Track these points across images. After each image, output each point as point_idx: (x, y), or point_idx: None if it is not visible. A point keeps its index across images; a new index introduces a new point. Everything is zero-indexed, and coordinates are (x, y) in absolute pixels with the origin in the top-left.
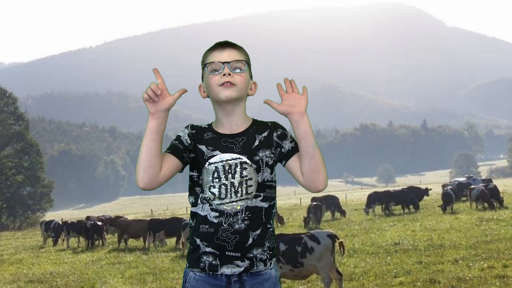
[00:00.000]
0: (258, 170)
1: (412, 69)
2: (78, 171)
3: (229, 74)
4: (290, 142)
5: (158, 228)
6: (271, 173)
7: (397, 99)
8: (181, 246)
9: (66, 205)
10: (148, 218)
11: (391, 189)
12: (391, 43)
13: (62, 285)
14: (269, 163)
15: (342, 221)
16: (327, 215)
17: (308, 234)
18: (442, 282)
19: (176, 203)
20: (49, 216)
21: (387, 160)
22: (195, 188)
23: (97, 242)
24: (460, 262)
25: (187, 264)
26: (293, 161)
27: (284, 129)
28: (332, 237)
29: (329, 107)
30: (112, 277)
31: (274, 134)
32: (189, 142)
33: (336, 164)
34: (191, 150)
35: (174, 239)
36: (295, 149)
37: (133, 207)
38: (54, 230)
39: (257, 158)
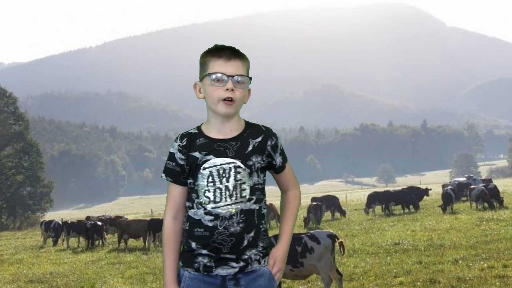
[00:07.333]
0: (250, 174)
1: (412, 69)
2: (78, 171)
3: (232, 90)
4: (280, 155)
5: (158, 228)
6: (260, 177)
7: (397, 99)
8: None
9: (66, 205)
10: (148, 218)
11: (391, 189)
12: (391, 43)
13: (62, 285)
14: (259, 168)
15: (342, 221)
16: (327, 215)
17: (308, 234)
18: (442, 282)
19: None
20: (49, 216)
21: (387, 160)
22: (191, 194)
23: (97, 242)
24: (460, 262)
25: (181, 264)
26: (280, 176)
27: (276, 138)
28: (332, 237)
29: (329, 107)
30: (112, 277)
31: (268, 143)
32: (182, 157)
33: (336, 164)
34: (186, 165)
35: None
36: (284, 165)
37: (133, 207)
38: (54, 230)
39: (250, 163)
